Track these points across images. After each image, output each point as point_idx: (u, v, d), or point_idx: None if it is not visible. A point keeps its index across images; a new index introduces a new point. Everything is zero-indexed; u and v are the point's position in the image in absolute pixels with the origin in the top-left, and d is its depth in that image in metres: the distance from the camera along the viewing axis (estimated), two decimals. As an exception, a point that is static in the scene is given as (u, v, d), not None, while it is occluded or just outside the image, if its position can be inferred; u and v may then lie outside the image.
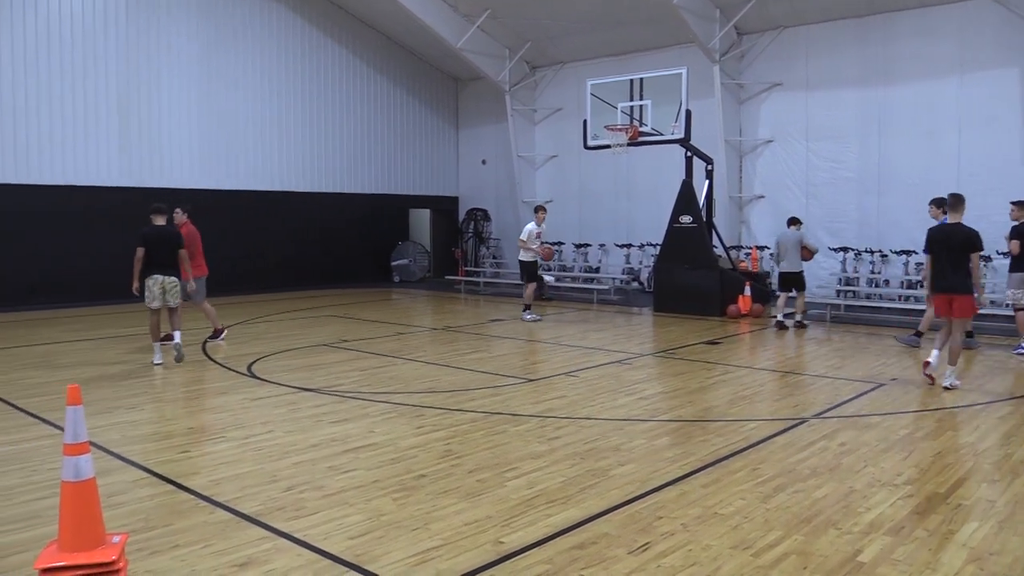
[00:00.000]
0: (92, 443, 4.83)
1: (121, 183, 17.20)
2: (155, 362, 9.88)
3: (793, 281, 13.23)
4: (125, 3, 17.34)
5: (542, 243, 14.85)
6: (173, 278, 10.08)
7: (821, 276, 16.58)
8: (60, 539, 3.83)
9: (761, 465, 5.78)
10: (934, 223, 9.59)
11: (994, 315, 13.11)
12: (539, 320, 14.18)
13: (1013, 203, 10.93)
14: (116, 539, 3.93)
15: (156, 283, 9.94)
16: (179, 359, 9.86)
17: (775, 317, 13.19)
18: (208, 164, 18.87)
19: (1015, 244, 10.60)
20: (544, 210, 15.11)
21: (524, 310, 14.39)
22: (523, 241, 14.46)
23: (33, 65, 16.12)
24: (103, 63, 17.06)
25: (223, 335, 11.77)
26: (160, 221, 10.18)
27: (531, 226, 14.53)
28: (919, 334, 11.07)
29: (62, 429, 5.28)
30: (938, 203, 10.53)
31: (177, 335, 10.07)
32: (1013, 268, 10.79)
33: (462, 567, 4.10)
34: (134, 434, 6.86)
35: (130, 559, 4.12)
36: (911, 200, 15.66)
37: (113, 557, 3.77)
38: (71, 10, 16.61)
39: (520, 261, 14.74)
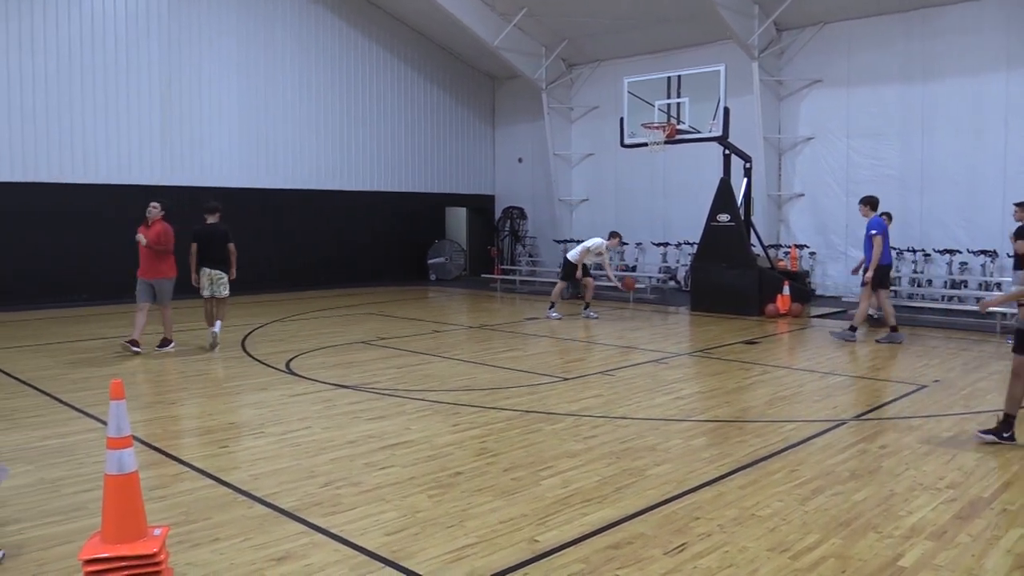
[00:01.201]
0: (135, 437, 4.92)
1: (164, 182, 17.49)
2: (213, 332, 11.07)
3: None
4: (168, 1, 17.64)
5: (617, 272, 14.61)
6: (220, 272, 11.03)
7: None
8: (103, 531, 3.90)
9: (799, 467, 5.71)
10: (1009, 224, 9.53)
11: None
12: (560, 319, 14.18)
13: (1016, 204, 11.33)
14: (157, 532, 4.00)
15: (205, 275, 11.04)
16: (212, 346, 10.82)
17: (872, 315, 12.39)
18: (248, 163, 19.11)
19: (1021, 244, 10.56)
20: (619, 237, 14.91)
21: (550, 307, 14.44)
22: (588, 250, 14.21)
23: (77, 63, 16.46)
24: (145, 61, 17.38)
25: (171, 345, 10.81)
26: (212, 219, 11.18)
27: (599, 241, 14.26)
28: (854, 328, 11.50)
29: (105, 423, 5.39)
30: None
31: (218, 324, 11.03)
32: (1017, 266, 11.09)
33: (497, 565, 4.11)
34: (175, 429, 6.98)
35: (171, 551, 4.19)
36: (955, 198, 15.38)
37: (154, 549, 3.83)
38: (114, 8, 16.93)
39: (566, 259, 14.66)
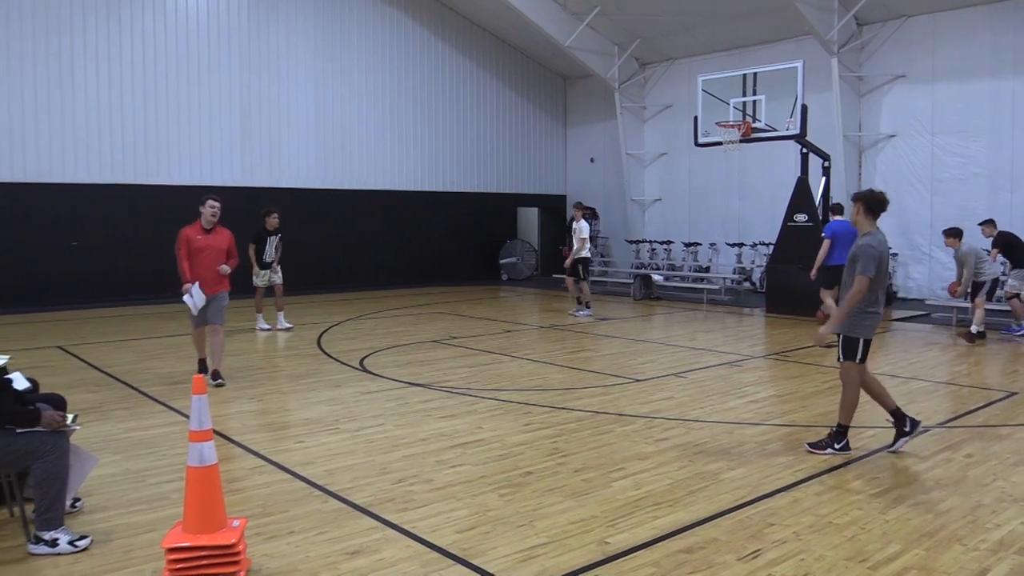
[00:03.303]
0: (215, 431, 5.06)
1: (242, 183, 17.97)
2: (262, 328, 12.68)
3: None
4: (247, 3, 18.13)
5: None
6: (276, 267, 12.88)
7: (948, 278, 15.73)
8: (185, 521, 4.03)
9: (880, 475, 5.54)
10: None
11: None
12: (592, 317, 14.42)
13: (980, 224, 12.81)
14: (236, 523, 4.11)
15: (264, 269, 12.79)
16: (267, 330, 12.60)
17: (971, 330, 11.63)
18: (323, 164, 19.49)
19: (995, 252, 12.21)
20: (581, 208, 15.14)
21: (586, 306, 14.68)
22: (584, 240, 14.62)
23: (162, 70, 17.05)
24: (226, 66, 17.89)
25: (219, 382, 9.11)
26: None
27: (584, 224, 14.66)
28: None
29: (187, 417, 5.57)
30: None
31: (281, 315, 12.91)
32: (1015, 266, 12.05)
33: (567, 566, 4.10)
34: (253, 423, 7.16)
35: (248, 543, 4.30)
36: (1048, 197, 14.73)
37: (233, 540, 3.94)
38: (196, 16, 17.47)
39: (579, 258, 14.78)
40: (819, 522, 4.66)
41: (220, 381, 8.58)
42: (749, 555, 4.21)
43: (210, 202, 8.56)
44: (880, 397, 6.19)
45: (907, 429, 6.07)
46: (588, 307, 14.78)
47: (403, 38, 20.78)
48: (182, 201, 17.00)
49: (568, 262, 14.87)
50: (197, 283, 8.42)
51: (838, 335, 6.11)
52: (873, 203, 6.06)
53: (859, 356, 6.03)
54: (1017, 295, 11.93)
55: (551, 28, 19.93)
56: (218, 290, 8.65)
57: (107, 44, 16.36)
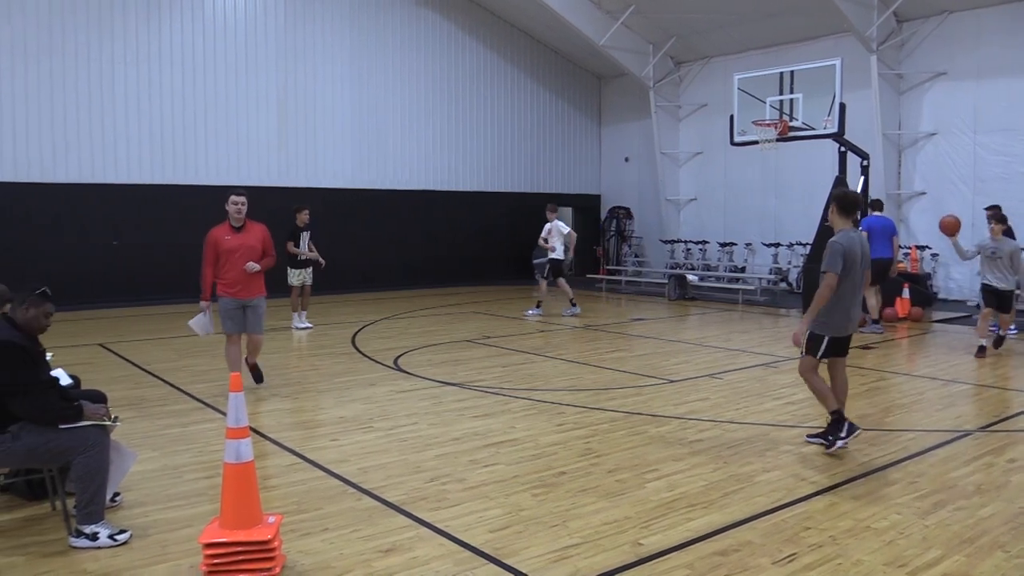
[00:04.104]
0: (251, 428, 5.12)
1: (279, 183, 18.16)
2: (295, 327, 12.79)
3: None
4: (284, 6, 18.32)
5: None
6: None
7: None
8: (222, 517, 4.08)
9: (919, 479, 5.44)
10: None
11: None
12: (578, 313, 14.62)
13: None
14: (272, 519, 4.15)
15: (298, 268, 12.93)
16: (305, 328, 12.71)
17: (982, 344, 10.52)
18: (358, 164, 19.62)
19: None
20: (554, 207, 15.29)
21: (537, 305, 14.97)
22: (566, 236, 14.75)
23: (200, 72, 17.29)
24: (263, 68, 18.09)
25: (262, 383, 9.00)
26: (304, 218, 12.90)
27: (560, 223, 14.80)
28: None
29: (224, 414, 5.64)
30: None
31: (303, 314, 13.03)
32: None
33: (600, 566, 4.08)
34: (289, 421, 7.23)
35: (284, 539, 4.35)
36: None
37: (269, 536, 3.98)
38: (235, 19, 17.70)
39: (553, 259, 14.90)
40: (856, 526, 4.60)
41: (262, 381, 8.16)
42: (784, 559, 4.16)
43: (233, 197, 7.82)
44: (823, 395, 6.13)
45: (843, 435, 6.00)
46: (539, 307, 14.93)
47: (438, 38, 20.85)
48: (219, 201, 17.26)
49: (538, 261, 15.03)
50: (209, 309, 7.83)
51: (812, 332, 6.12)
52: (845, 203, 6.15)
53: (820, 353, 6.10)
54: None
55: (586, 27, 19.88)
56: (255, 295, 7.89)
57: (147, 45, 16.63)
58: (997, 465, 5.75)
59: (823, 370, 6.26)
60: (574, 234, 14.98)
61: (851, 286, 6.01)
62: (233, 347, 8.01)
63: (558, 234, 14.64)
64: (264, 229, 8.08)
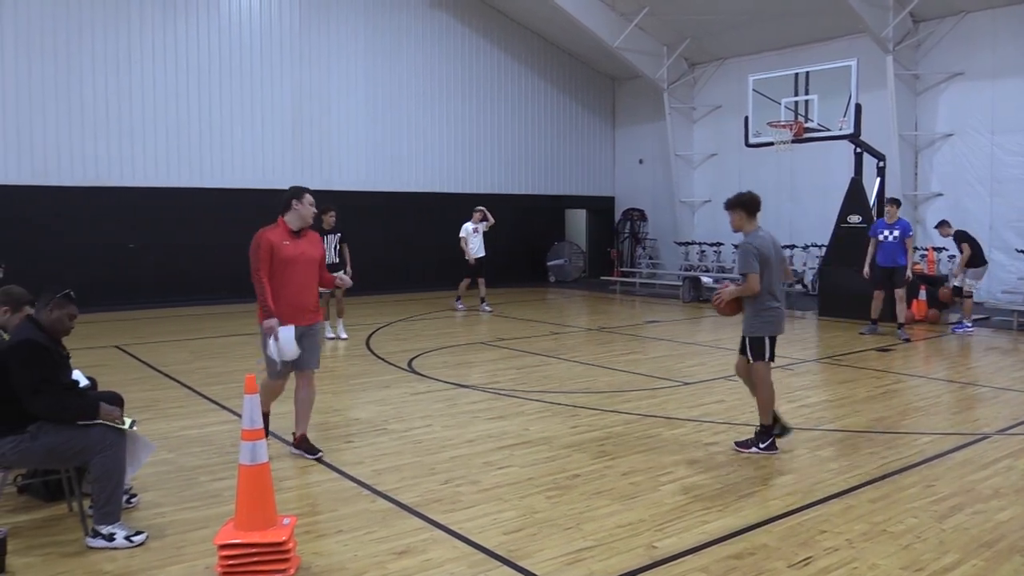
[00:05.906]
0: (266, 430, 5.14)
1: (294, 185, 18.19)
2: (328, 336, 11.90)
3: None
4: (299, 8, 18.40)
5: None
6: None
7: (1008, 280, 15.33)
8: (237, 518, 4.10)
9: (936, 482, 5.40)
10: None
11: None
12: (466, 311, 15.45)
13: (937, 226, 13.43)
14: (286, 521, 4.17)
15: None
16: (331, 339, 11.97)
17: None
18: (373, 167, 19.67)
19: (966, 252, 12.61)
20: (481, 211, 16.12)
21: (456, 299, 15.92)
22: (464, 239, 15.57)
23: (216, 75, 17.39)
24: (278, 70, 18.17)
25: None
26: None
27: (469, 225, 15.74)
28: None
29: (239, 416, 5.66)
30: None
31: (340, 323, 12.37)
32: (970, 264, 12.68)
33: (614, 569, 4.08)
34: (304, 423, 7.24)
35: (298, 541, 4.36)
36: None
37: (284, 538, 4.00)
38: (249, 21, 17.79)
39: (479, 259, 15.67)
40: (873, 530, 4.57)
41: (318, 453, 6.03)
42: (800, 562, 4.14)
43: (308, 196, 6.30)
44: (769, 405, 6.14)
45: (762, 445, 6.07)
46: (459, 300, 15.98)
47: (452, 41, 20.89)
48: (234, 204, 17.37)
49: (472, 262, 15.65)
50: (287, 324, 5.86)
51: (751, 337, 6.22)
52: (750, 204, 6.34)
53: (767, 355, 6.17)
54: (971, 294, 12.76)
55: (599, 29, 19.87)
56: (315, 320, 6.18)
57: (163, 48, 16.74)
58: (1016, 468, 5.69)
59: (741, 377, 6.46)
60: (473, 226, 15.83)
61: (775, 284, 6.20)
62: (280, 381, 6.24)
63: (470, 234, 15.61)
64: (319, 237, 6.55)
